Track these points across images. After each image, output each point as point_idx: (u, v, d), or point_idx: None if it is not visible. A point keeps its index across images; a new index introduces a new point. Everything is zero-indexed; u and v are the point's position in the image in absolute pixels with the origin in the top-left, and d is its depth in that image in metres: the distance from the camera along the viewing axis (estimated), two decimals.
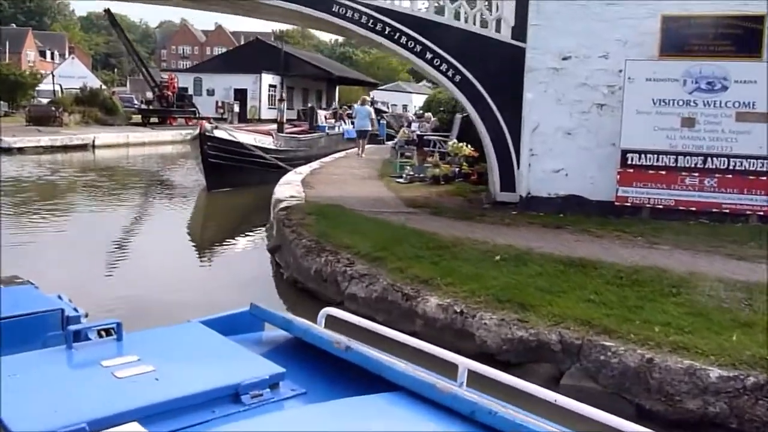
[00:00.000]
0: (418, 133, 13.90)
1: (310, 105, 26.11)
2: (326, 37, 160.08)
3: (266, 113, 43.38)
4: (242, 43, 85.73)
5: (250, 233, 11.21)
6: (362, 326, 2.14)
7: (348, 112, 27.78)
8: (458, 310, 5.29)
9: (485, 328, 5.05)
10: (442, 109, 15.41)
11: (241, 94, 42.75)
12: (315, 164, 15.97)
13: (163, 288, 7.34)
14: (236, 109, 39.66)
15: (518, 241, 7.00)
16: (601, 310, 5.00)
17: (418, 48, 9.08)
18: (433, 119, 15.46)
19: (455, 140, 13.65)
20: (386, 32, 9.04)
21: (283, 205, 9.37)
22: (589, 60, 8.48)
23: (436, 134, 14.31)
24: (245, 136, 15.33)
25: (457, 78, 9.06)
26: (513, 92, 8.92)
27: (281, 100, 19.23)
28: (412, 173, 11.96)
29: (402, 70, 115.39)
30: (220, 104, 42.09)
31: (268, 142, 16.00)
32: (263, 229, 10.49)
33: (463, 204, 9.89)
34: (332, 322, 2.19)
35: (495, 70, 9.06)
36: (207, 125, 14.45)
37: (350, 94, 72.87)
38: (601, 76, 8.46)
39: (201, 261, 9.25)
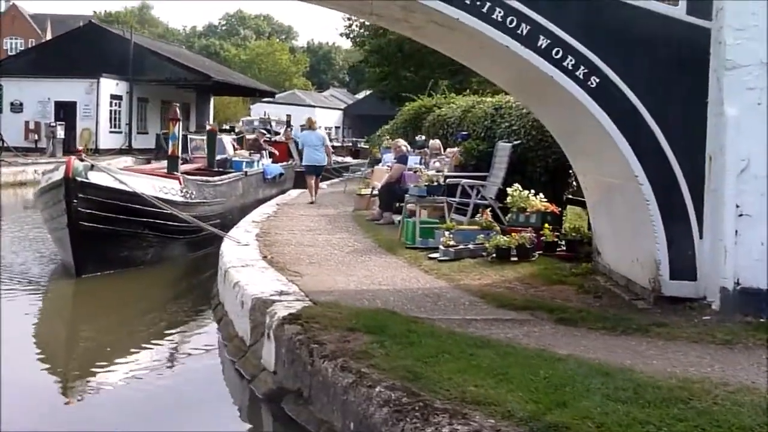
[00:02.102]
0: (446, 174, 12.46)
1: (209, 127, 24.22)
2: (177, 23, 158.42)
3: (107, 140, 41.21)
4: (48, 31, 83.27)
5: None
6: None
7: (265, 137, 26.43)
8: None
9: None
10: (464, 133, 14.11)
11: (66, 111, 40.28)
12: (247, 225, 14.37)
13: None
14: (60, 134, 37.25)
15: None
16: None
17: (524, 29, 7.76)
18: (453, 151, 14.13)
19: (498, 184, 12.45)
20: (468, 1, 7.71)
21: (282, 312, 7.71)
22: None
23: (460, 174, 12.99)
24: (140, 182, 13.49)
25: (593, 81, 7.78)
26: (689, 105, 7.74)
27: (174, 119, 16.90)
28: (455, 244, 10.51)
29: (296, 73, 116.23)
30: (32, 126, 39.56)
31: (174, 190, 14.19)
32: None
33: (585, 299, 8.64)
34: None
35: (657, 68, 7.88)
36: (77, 164, 12.52)
37: (227, 109, 71.66)
38: None
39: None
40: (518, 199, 11.20)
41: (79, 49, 42.19)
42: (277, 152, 25.68)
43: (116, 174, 13.26)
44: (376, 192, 17.65)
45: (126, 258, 13.50)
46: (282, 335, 7.30)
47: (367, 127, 79.73)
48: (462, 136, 14.02)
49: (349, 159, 42.55)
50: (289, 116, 56.00)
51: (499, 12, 7.75)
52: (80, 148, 40.55)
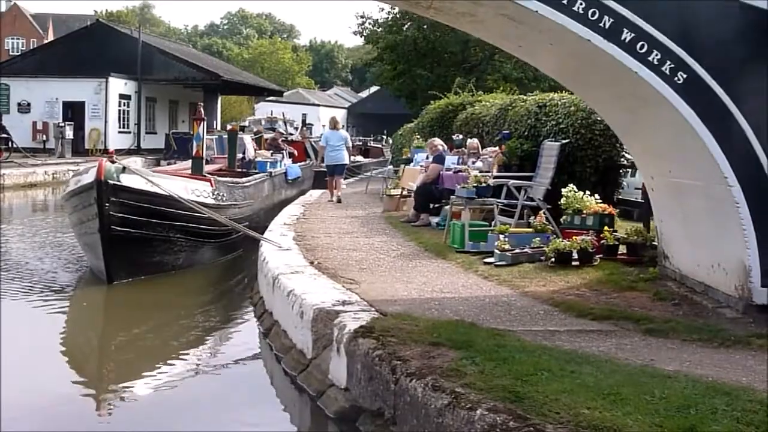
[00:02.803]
0: (495, 174, 11.97)
1: (229, 127, 23.68)
2: (179, 22, 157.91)
3: (116, 140, 40.70)
4: (51, 32, 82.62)
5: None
6: None
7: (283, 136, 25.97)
8: None
9: None
10: (506, 132, 13.62)
11: (74, 111, 39.76)
12: (279, 228, 13.96)
13: None
14: (69, 134, 36.75)
15: None
16: None
17: (607, 22, 7.28)
18: (493, 150, 13.65)
19: (546, 184, 11.98)
20: None
21: (352, 324, 7.24)
22: None
23: (508, 175, 12.53)
24: (173, 184, 13.01)
25: (680, 77, 7.31)
26: None
27: (198, 119, 16.32)
28: (511, 248, 10.04)
29: (298, 72, 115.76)
30: (40, 127, 39.07)
31: (206, 192, 13.72)
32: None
33: (664, 307, 8.18)
34: None
35: (750, 65, 7.40)
36: (110, 166, 12.04)
37: (232, 109, 71.09)
38: None
39: None
40: (574, 200, 10.71)
41: (87, 49, 41.68)
42: (296, 152, 25.17)
43: (150, 176, 12.74)
44: (406, 193, 17.24)
45: (158, 263, 13.04)
46: (355, 350, 6.83)
47: (372, 126, 79.42)
48: (504, 135, 13.52)
49: (360, 158, 41.95)
50: (304, 115, 55.59)
51: (581, 4, 7.27)
52: (87, 149, 40.19)
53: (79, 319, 11.70)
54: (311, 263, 10.47)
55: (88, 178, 12.23)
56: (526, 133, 13.30)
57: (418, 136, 18.51)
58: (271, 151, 22.32)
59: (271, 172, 19.38)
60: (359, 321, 7.32)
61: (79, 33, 45.48)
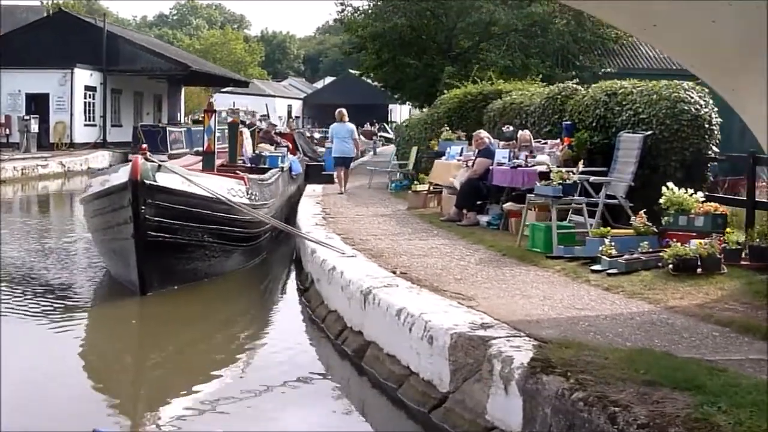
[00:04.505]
0: (581, 169, 10.76)
1: (230, 119, 22.12)
2: (126, 13, 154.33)
3: (82, 133, 38.79)
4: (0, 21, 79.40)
5: None
6: None
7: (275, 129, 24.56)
8: None
9: None
10: (568, 123, 12.43)
11: (38, 103, 37.72)
12: (314, 228, 12.79)
13: None
14: (34, 127, 34.81)
15: None
16: None
17: None
18: (554, 143, 12.47)
19: (628, 180, 10.88)
20: None
21: (517, 354, 5.99)
22: None
23: (591, 170, 11.38)
24: (212, 182, 11.65)
25: None
26: None
27: (209, 111, 14.84)
28: (623, 254, 8.88)
29: (251, 63, 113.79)
30: (2, 120, 37.06)
31: (241, 192, 12.37)
32: None
33: None
34: None
35: None
36: (144, 162, 10.63)
37: (190, 101, 68.98)
38: None
39: None
40: (679, 198, 9.57)
41: (50, 39, 39.55)
42: (290, 145, 23.79)
43: (188, 175, 11.34)
44: (434, 189, 16.09)
45: (191, 271, 11.69)
46: (539, 389, 5.59)
47: (328, 117, 77.91)
48: (566, 127, 12.34)
49: None
50: (267, 106, 53.92)
51: None
52: (53, 143, 38.23)
53: (113, 334, 10.29)
54: (394, 273, 9.21)
55: (120, 177, 10.80)
56: (594, 124, 12.12)
57: (446, 128, 17.22)
58: (274, 146, 20.90)
59: (282, 168, 17.98)
60: (521, 350, 6.11)
61: (41, 22, 43.25)
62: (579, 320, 7.11)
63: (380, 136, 56.53)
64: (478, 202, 13.63)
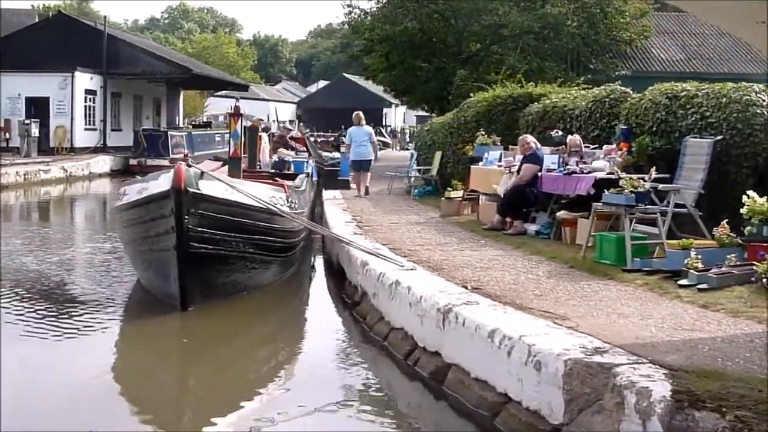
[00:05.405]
0: (654, 176, 10.13)
1: (249, 123, 21.43)
2: (118, 17, 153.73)
3: (83, 137, 38.07)
4: None
5: None
6: None
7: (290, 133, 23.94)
8: None
9: None
10: (625, 128, 11.84)
11: (38, 107, 36.99)
12: (352, 238, 12.11)
13: None
14: (35, 131, 34.07)
15: None
16: None
17: None
18: (609, 148, 11.87)
19: (697, 188, 10.30)
20: None
21: (653, 385, 5.38)
22: None
23: (660, 177, 10.79)
24: (255, 190, 11.02)
25: None
26: None
27: (236, 115, 14.25)
28: (710, 268, 8.29)
29: (243, 66, 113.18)
30: (1, 124, 36.32)
31: (282, 200, 11.74)
32: None
33: None
34: None
35: None
36: (187, 169, 9.98)
37: (186, 104, 68.27)
38: None
39: None
40: (762, 207, 8.97)
41: (49, 42, 38.77)
42: (305, 149, 23.17)
43: (233, 183, 10.69)
44: (467, 195, 15.53)
45: (231, 284, 11.06)
46: (691, 427, 4.96)
47: (323, 121, 77.15)
48: (623, 132, 11.75)
49: (336, 154, 39.88)
50: (275, 110, 53.14)
51: None
52: (53, 147, 37.47)
53: (150, 352, 9.62)
54: (465, 288, 8.59)
55: (161, 185, 10.13)
56: (654, 129, 11.52)
57: (482, 132, 16.62)
58: (294, 151, 20.31)
59: (308, 173, 17.35)
60: (654, 380, 5.50)
61: (40, 25, 42.46)
62: (696, 343, 6.49)
63: (378, 141, 55.76)
64: (523, 210, 13.01)
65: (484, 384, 6.95)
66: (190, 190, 9.87)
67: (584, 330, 6.79)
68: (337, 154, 36.49)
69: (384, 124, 79.61)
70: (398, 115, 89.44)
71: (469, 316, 7.34)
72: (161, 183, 10.17)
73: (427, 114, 53.99)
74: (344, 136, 49.87)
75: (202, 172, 10.33)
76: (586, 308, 7.67)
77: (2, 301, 11.02)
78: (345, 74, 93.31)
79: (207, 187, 10.21)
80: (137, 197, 10.65)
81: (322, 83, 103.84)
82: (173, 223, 9.90)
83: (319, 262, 14.82)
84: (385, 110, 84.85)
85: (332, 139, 44.57)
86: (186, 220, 9.86)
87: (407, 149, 51.43)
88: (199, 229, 10.07)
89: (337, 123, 66.58)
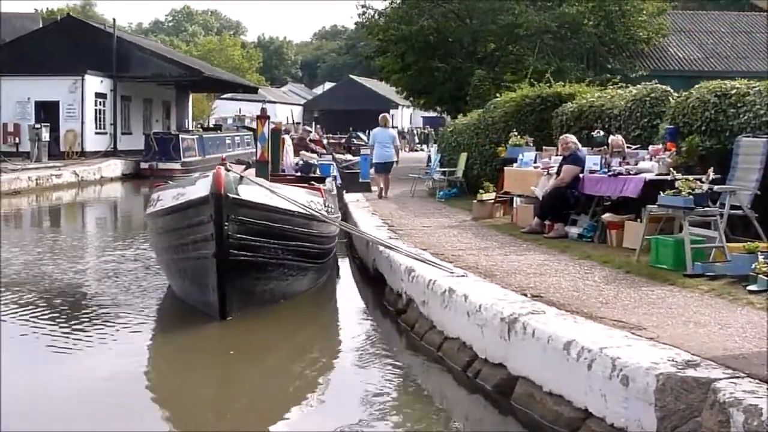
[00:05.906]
0: (712, 178, 9.74)
1: (272, 126, 21.08)
2: (122, 20, 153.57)
3: (93, 141, 37.78)
4: None
5: None
6: None
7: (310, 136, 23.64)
8: None
9: None
10: (671, 127, 11.47)
11: (48, 111, 36.69)
12: (389, 242, 11.71)
13: None
14: (45, 136, 33.78)
15: None
16: None
17: None
18: (656, 149, 11.51)
19: (753, 189, 9.95)
20: None
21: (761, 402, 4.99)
22: None
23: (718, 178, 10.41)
24: (294, 195, 10.68)
25: None
26: None
27: (263, 118, 13.86)
28: None
29: (248, 68, 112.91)
30: (11, 129, 36.01)
31: (319, 205, 11.39)
32: None
33: None
34: None
35: None
36: (227, 174, 9.63)
37: (194, 107, 67.97)
38: None
39: None
40: None
41: (58, 45, 38.46)
42: (325, 152, 22.87)
43: (273, 188, 10.35)
44: (500, 198, 15.19)
45: (270, 292, 10.72)
46: None
47: (329, 122, 76.84)
48: (670, 131, 11.39)
49: (349, 156, 39.47)
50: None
51: None
52: (63, 151, 37.18)
53: (190, 365, 9.28)
54: (525, 295, 8.25)
55: (199, 191, 9.76)
56: (703, 128, 11.15)
57: (515, 133, 16.26)
58: (318, 153, 20.03)
59: (335, 176, 17.02)
60: (761, 396, 5.13)
61: (50, 28, 42.15)
62: None
63: None
64: (564, 212, 12.66)
65: (559, 398, 6.59)
66: (230, 195, 9.52)
67: (666, 341, 6.43)
68: (349, 156, 36.16)
69: (391, 125, 79.22)
70: (405, 117, 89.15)
71: (538, 327, 6.99)
72: (199, 188, 9.82)
73: (436, 115, 53.69)
74: (355, 138, 49.97)
75: (241, 177, 9.98)
76: (658, 317, 7.31)
77: (32, 311, 10.73)
78: (351, 76, 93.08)
79: (247, 192, 9.87)
80: (173, 203, 10.30)
81: (328, 85, 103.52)
82: (212, 230, 9.55)
83: (344, 267, 14.48)
84: (392, 112, 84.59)
85: (343, 140, 44.24)
86: (226, 227, 9.52)
87: (416, 150, 51.18)
88: (239, 235, 9.72)
89: (344, 125, 66.36)
